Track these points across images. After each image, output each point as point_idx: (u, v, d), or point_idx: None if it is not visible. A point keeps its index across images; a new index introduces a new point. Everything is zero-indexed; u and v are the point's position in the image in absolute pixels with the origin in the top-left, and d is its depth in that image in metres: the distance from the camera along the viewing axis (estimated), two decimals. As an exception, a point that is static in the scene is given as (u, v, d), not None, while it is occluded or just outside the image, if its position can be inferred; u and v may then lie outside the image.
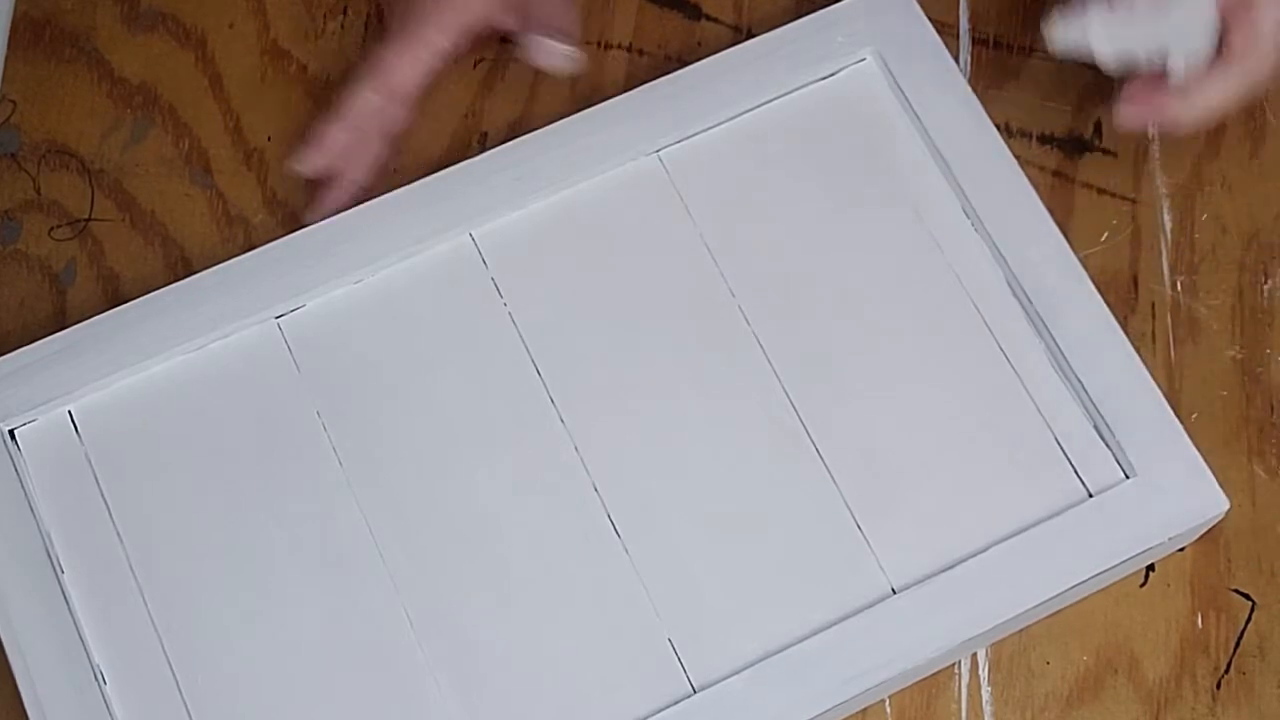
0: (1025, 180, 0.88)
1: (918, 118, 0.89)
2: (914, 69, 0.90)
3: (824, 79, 0.91)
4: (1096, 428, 0.84)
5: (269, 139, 0.96)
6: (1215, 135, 0.94)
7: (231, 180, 0.95)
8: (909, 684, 0.83)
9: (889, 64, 0.90)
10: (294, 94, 0.97)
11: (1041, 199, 0.87)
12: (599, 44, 0.98)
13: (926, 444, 0.84)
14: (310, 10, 0.99)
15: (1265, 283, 0.91)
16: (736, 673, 0.79)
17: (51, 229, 0.94)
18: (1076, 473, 0.83)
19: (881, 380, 0.85)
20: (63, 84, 0.97)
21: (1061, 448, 0.84)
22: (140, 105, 0.97)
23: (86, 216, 0.94)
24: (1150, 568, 0.86)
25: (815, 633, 0.80)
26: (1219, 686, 0.84)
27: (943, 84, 0.90)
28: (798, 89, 0.91)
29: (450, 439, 0.84)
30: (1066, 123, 0.95)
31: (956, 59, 0.94)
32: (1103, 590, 0.85)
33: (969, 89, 0.90)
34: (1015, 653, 0.84)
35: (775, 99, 0.91)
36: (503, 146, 0.89)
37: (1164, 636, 0.85)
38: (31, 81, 0.97)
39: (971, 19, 0.98)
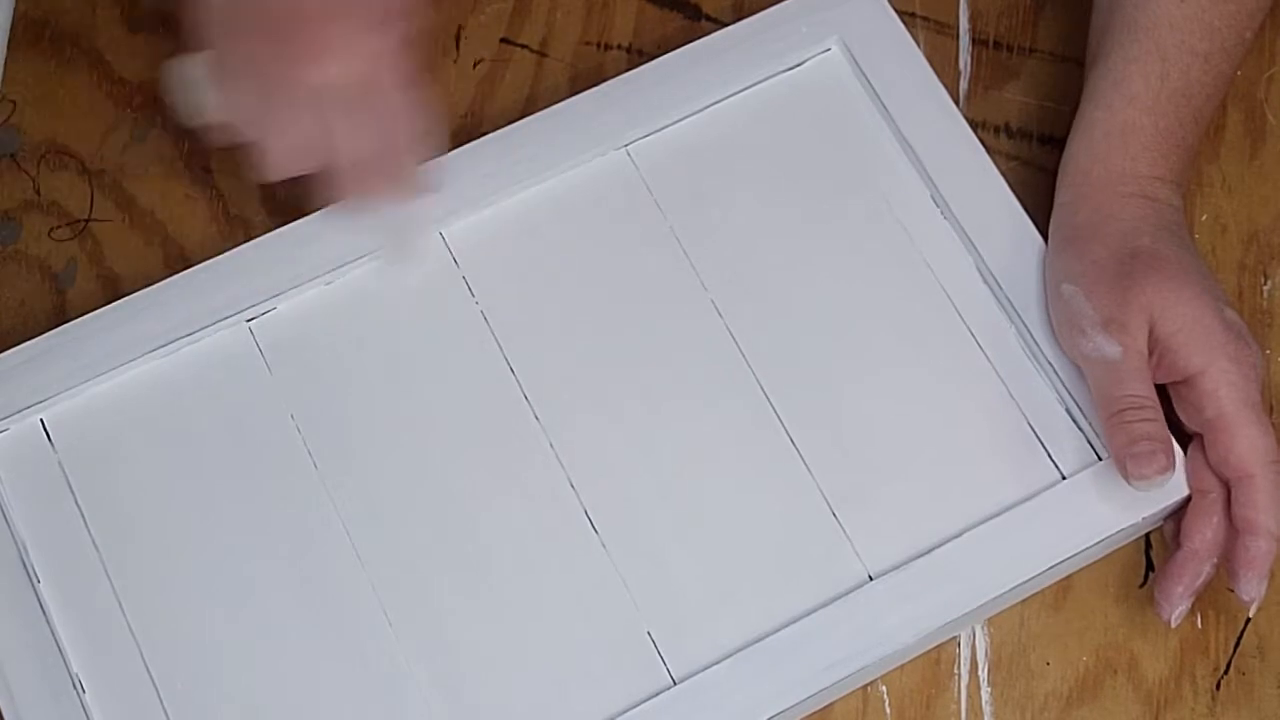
0: (993, 166, 0.88)
1: (884, 106, 0.89)
2: (879, 57, 0.90)
3: (789, 70, 0.91)
4: (1068, 411, 0.84)
5: (268, 139, 0.96)
6: (1215, 135, 0.94)
7: (231, 180, 0.95)
8: (889, 670, 0.83)
9: (854, 53, 0.90)
10: (292, 94, 0.97)
11: (1042, 200, 0.87)
12: (599, 44, 0.98)
13: (900, 431, 0.84)
14: (307, 11, 0.99)
15: (1265, 283, 0.91)
16: (716, 663, 0.80)
17: (51, 229, 0.94)
18: (1049, 456, 0.83)
19: (854, 368, 0.85)
20: (63, 84, 0.98)
21: (1034, 431, 0.84)
22: (140, 105, 0.97)
23: (86, 217, 0.94)
24: (1150, 567, 0.85)
25: (793, 621, 0.80)
26: (1219, 687, 0.83)
27: (908, 72, 0.90)
28: (764, 80, 0.91)
29: (425, 438, 0.85)
30: (1066, 123, 0.93)
31: (956, 59, 0.94)
32: (1103, 590, 0.85)
33: (934, 76, 0.90)
34: (1015, 653, 0.84)
35: (741, 91, 0.91)
36: (467, 145, 0.89)
37: (1163, 637, 0.84)
38: (31, 81, 0.98)
39: (971, 19, 0.97)
